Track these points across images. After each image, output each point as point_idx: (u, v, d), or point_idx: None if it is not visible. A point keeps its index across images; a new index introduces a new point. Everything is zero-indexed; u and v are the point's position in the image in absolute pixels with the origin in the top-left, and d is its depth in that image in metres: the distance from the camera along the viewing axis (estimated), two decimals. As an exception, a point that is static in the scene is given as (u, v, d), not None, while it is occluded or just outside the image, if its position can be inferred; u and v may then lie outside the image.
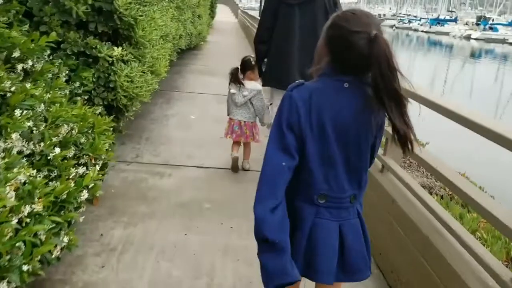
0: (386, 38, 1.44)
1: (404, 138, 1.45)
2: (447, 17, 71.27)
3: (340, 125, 1.51)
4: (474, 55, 43.11)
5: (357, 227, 1.63)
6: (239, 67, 4.14)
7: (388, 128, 1.97)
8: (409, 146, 1.47)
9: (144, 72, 4.16)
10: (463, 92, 19.51)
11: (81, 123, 2.66)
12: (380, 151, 3.09)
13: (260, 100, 4.07)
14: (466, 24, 63.12)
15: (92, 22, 3.72)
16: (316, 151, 1.52)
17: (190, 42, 9.94)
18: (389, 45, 1.44)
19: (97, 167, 2.62)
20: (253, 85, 4.05)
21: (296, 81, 1.57)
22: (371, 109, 1.50)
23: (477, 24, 59.50)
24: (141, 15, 3.83)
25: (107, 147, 2.86)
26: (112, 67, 3.73)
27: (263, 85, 3.89)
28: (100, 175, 2.68)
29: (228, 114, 4.27)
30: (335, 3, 3.51)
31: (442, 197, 4.70)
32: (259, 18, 15.08)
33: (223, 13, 34.33)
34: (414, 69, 27.55)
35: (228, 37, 19.34)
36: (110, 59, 3.69)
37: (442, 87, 21.33)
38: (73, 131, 2.60)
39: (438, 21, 67.57)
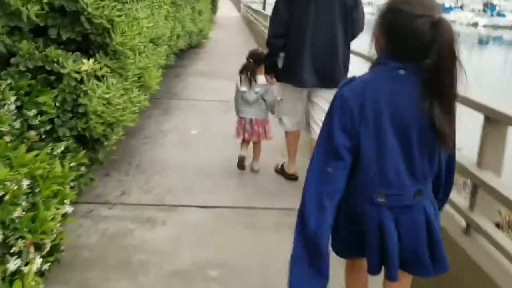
0: (450, 23, 1.35)
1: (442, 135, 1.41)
2: (453, 5, 69.73)
3: (398, 116, 1.43)
4: (482, 42, 42.31)
5: (418, 223, 1.51)
6: (251, 60, 3.81)
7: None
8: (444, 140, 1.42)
9: (127, 89, 3.21)
10: (476, 81, 18.15)
11: (15, 189, 1.70)
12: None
13: (272, 95, 3.84)
14: (473, 11, 61.63)
15: (53, 27, 2.77)
16: (372, 147, 1.45)
17: (190, 42, 8.97)
18: (454, 31, 1.35)
19: (38, 258, 1.68)
20: (263, 79, 3.75)
21: (348, 78, 1.54)
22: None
23: (484, 11, 58.08)
24: (120, 15, 2.87)
25: (60, 220, 1.91)
26: (82, 86, 2.78)
27: (278, 81, 3.62)
28: (47, 268, 1.74)
29: (237, 114, 3.97)
30: None
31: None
32: (263, 11, 14.12)
33: (225, 8, 33.24)
34: None
35: (231, 33, 18.32)
36: (79, 76, 2.74)
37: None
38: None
39: (444, 9, 65.75)
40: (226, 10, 31.74)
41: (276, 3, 3.44)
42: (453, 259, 1.89)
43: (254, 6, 23.30)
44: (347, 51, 3.40)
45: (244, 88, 3.82)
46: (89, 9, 2.65)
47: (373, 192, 1.47)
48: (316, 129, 3.47)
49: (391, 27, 1.42)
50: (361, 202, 1.50)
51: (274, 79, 3.62)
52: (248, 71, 3.79)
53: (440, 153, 1.50)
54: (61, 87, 2.73)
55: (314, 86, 3.40)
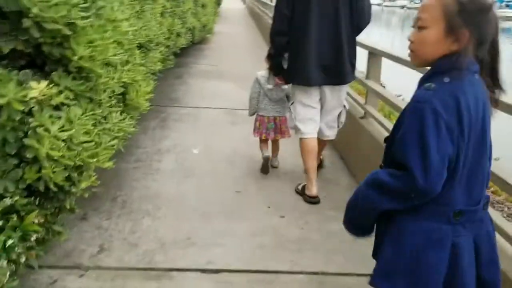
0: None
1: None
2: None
3: (476, 125, 1.28)
4: None
5: (491, 235, 1.39)
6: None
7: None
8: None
9: (105, 118, 2.35)
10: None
11: None
12: (362, 100, 4.14)
13: None
14: (481, 1, 59.95)
15: (-13, 34, 1.90)
16: (463, 161, 1.27)
17: (192, 38, 8.08)
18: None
19: None
20: None
21: (424, 86, 1.27)
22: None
23: (493, 2, 56.38)
24: (85, 17, 1.99)
25: None
26: (31, 119, 1.92)
27: (287, 82, 3.44)
28: None
29: (258, 112, 3.76)
30: None
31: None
32: (270, 3, 13.19)
33: (229, 0, 32.21)
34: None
35: (237, 26, 17.37)
36: (25, 106, 1.88)
37: None
38: None
39: None
40: (230, 2, 30.68)
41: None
42: (356, 133, 3.87)
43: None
44: (354, 45, 3.17)
45: (270, 86, 3.58)
46: (36, 10, 1.78)
47: (449, 211, 1.30)
48: (325, 130, 3.35)
49: (474, 18, 1.23)
50: (431, 218, 1.32)
51: (284, 81, 3.44)
52: (276, 66, 3.43)
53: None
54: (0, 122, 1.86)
55: (322, 84, 3.16)
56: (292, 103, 3.35)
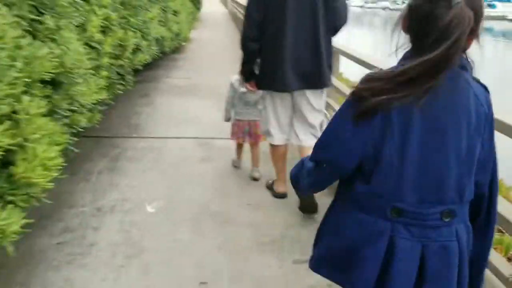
0: (471, 14, 1.09)
1: None
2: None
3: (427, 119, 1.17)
4: None
5: (450, 252, 1.20)
6: None
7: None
8: None
9: None
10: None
11: None
12: None
13: None
14: (462, 2, 59.75)
15: None
16: (395, 156, 1.17)
17: (161, 49, 6.96)
18: (468, 22, 1.08)
19: None
20: None
21: (374, 69, 1.23)
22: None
23: (475, 2, 56.11)
24: None
25: None
26: None
27: (259, 89, 3.18)
28: None
29: (235, 116, 3.62)
30: None
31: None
32: None
33: (211, 3, 31.05)
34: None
35: (217, 32, 16.26)
36: None
37: None
38: None
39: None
40: (212, 6, 29.55)
41: (247, 2, 2.98)
42: None
43: (242, 1, 21.26)
44: (330, 47, 3.00)
45: (244, 89, 3.47)
46: None
47: (386, 206, 1.21)
48: (302, 135, 3.13)
49: (411, 14, 1.20)
50: (369, 210, 1.23)
51: (255, 87, 3.23)
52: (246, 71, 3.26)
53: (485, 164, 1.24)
54: None
55: (299, 88, 2.99)
56: (264, 108, 3.21)
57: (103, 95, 3.18)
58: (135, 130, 4.87)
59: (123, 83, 4.42)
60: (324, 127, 3.18)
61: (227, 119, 3.71)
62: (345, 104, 1.23)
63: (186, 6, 10.49)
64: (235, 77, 3.51)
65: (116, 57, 3.90)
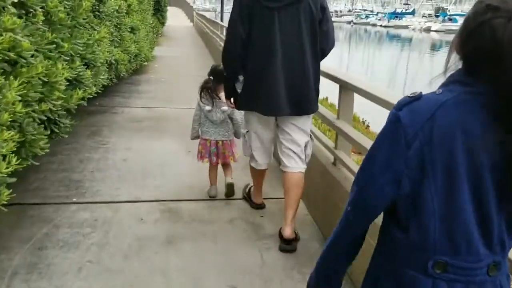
0: None
1: None
2: (403, 10, 69.08)
3: (472, 158, 0.97)
4: (436, 47, 41.73)
5: None
6: (211, 77, 3.34)
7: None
8: None
9: None
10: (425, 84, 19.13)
11: None
12: (331, 144, 3.23)
13: (240, 113, 3.32)
14: (424, 16, 60.86)
15: None
16: (439, 199, 1.00)
17: (116, 74, 5.69)
18: None
19: None
20: None
21: (411, 93, 1.03)
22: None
23: (436, 16, 57.22)
24: None
25: None
26: None
27: (239, 109, 3.01)
28: None
29: (201, 135, 3.48)
30: (323, 8, 2.72)
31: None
32: (220, 23, 10.72)
33: (176, 17, 29.71)
34: (378, 64, 27.87)
35: (184, 48, 15.03)
36: None
37: (404, 80, 21.28)
38: None
39: (395, 15, 65.36)
40: (177, 20, 28.25)
41: (230, 15, 2.75)
42: (324, 182, 3.08)
43: (208, 15, 20.13)
44: (318, 71, 2.81)
45: (208, 107, 3.34)
46: None
47: (428, 259, 1.04)
48: (287, 161, 2.90)
49: (464, 26, 1.00)
50: (408, 265, 1.07)
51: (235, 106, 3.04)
52: (210, 89, 3.34)
53: None
54: None
55: (285, 113, 2.78)
56: (247, 131, 3.07)
57: (8, 165, 1.93)
58: (75, 190, 3.57)
59: (56, 130, 3.16)
60: (309, 150, 2.92)
61: (194, 138, 3.57)
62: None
63: (146, 21, 9.23)
64: (199, 95, 3.40)
65: (40, 100, 2.65)
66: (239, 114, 3.39)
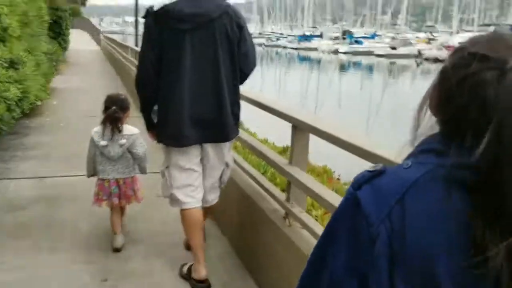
0: None
1: None
2: (312, 33, 71.05)
3: (459, 260, 0.68)
4: (344, 67, 43.25)
5: None
6: (114, 107, 3.01)
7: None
8: None
9: None
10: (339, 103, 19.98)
11: None
12: (281, 195, 2.66)
13: (141, 146, 3.12)
14: (331, 39, 62.83)
15: None
16: None
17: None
18: None
19: None
20: (130, 129, 3.09)
21: (371, 166, 0.78)
22: None
23: (343, 38, 59.10)
24: None
25: None
26: None
27: (158, 142, 2.69)
28: None
29: (94, 174, 3.14)
30: (241, 27, 2.53)
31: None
32: (133, 46, 8.58)
33: (80, 40, 26.69)
34: (291, 85, 27.91)
35: (91, 75, 12.66)
36: None
37: (316, 100, 21.22)
38: None
39: (305, 37, 66.74)
40: (82, 44, 25.29)
41: (143, 41, 2.57)
42: (277, 241, 2.50)
43: (116, 37, 17.90)
44: (237, 94, 2.62)
45: (103, 142, 3.01)
46: None
47: None
48: (207, 194, 2.74)
49: (443, 78, 0.75)
50: None
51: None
52: (118, 121, 3.02)
53: None
54: None
55: (200, 142, 2.59)
56: (166, 167, 2.71)
57: None
58: None
59: None
60: (225, 176, 2.79)
61: (89, 176, 3.16)
62: None
63: (39, 48, 6.96)
64: (96, 129, 3.08)
65: None
66: (140, 147, 3.08)
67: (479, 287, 0.67)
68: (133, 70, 8.53)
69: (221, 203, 2.88)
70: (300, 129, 2.46)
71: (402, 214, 0.70)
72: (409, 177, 0.72)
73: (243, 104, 2.70)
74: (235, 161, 3.07)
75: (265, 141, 5.39)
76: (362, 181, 0.76)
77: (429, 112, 0.79)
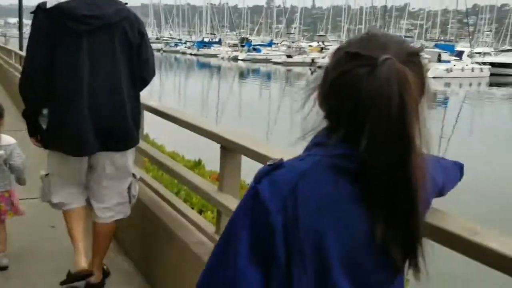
0: (403, 69, 0.76)
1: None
2: (211, 40, 71.20)
3: (348, 244, 0.80)
4: (243, 74, 43.97)
5: None
6: None
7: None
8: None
9: None
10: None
11: None
12: (211, 228, 2.41)
13: (19, 157, 2.97)
14: (230, 46, 63.47)
15: None
16: None
17: None
18: (404, 80, 0.75)
19: None
20: (6, 139, 2.94)
21: (271, 160, 0.84)
22: None
23: (242, 46, 59.97)
24: None
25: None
26: None
27: (46, 148, 2.59)
28: None
29: None
30: (142, 33, 2.49)
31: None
32: (19, 51, 8.00)
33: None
34: (191, 92, 28.37)
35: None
36: None
37: (217, 107, 21.42)
38: None
39: (204, 44, 66.67)
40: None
41: (29, 40, 2.48)
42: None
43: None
44: (137, 102, 2.58)
45: None
46: None
47: None
48: (100, 211, 2.58)
49: (326, 78, 0.84)
50: None
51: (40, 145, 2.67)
52: None
53: None
54: None
55: (97, 151, 2.45)
56: (46, 175, 2.60)
57: None
58: None
59: None
60: (134, 190, 2.67)
61: None
62: None
63: None
64: None
65: None
66: (18, 158, 2.94)
67: (364, 260, 0.79)
68: (18, 76, 7.53)
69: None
70: (232, 151, 2.19)
71: (295, 202, 0.77)
72: (301, 168, 0.80)
73: (158, 120, 2.55)
74: (146, 183, 2.93)
75: (175, 155, 5.00)
76: (262, 175, 0.81)
77: (317, 108, 0.85)
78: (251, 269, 0.78)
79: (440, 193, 1.02)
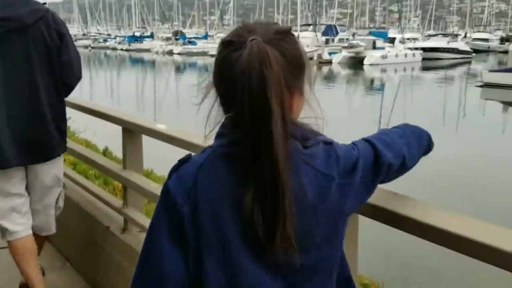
0: (264, 47, 0.82)
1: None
2: (142, 34, 68.11)
3: (245, 221, 0.87)
4: (180, 69, 42.48)
5: None
6: None
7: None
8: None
9: None
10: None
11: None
12: (118, 203, 2.74)
13: None
14: (164, 39, 60.95)
15: None
16: (218, 276, 0.89)
17: None
18: (265, 56, 0.81)
19: None
20: None
21: (185, 156, 0.94)
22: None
23: (176, 39, 57.67)
24: None
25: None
26: None
27: None
28: None
29: None
30: (61, 34, 2.36)
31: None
32: None
33: None
34: (125, 89, 26.93)
35: None
36: None
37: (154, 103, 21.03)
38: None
39: (135, 38, 63.46)
40: None
41: None
42: (116, 253, 2.54)
43: None
44: (61, 107, 2.49)
45: None
46: None
47: None
48: (41, 221, 2.56)
49: (214, 66, 0.92)
50: None
51: None
52: None
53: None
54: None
55: (21, 163, 2.41)
56: None
57: None
58: None
59: None
60: (61, 201, 2.64)
61: None
62: None
63: None
64: None
65: None
66: None
67: (254, 229, 0.84)
68: None
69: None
70: (131, 131, 2.49)
71: (196, 192, 0.87)
72: (200, 161, 0.89)
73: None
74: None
75: (88, 144, 5.18)
76: (172, 171, 0.92)
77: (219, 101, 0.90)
78: (174, 250, 0.87)
79: (401, 167, 1.04)
